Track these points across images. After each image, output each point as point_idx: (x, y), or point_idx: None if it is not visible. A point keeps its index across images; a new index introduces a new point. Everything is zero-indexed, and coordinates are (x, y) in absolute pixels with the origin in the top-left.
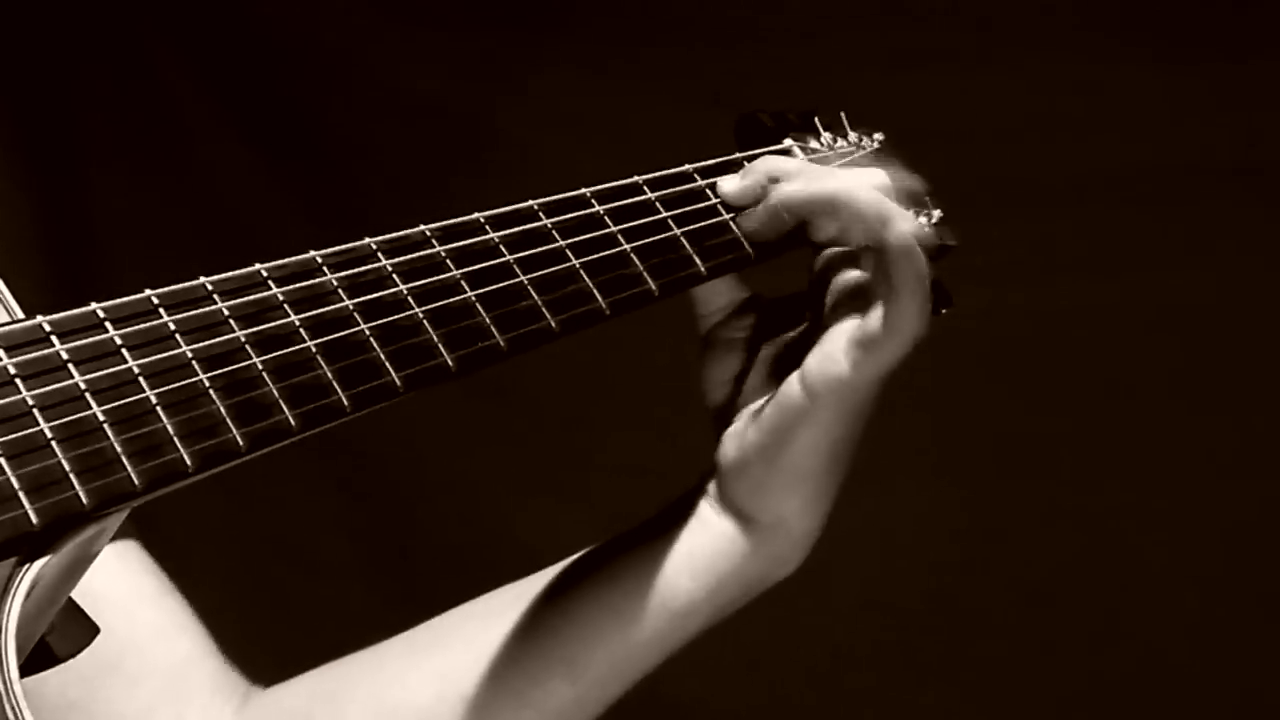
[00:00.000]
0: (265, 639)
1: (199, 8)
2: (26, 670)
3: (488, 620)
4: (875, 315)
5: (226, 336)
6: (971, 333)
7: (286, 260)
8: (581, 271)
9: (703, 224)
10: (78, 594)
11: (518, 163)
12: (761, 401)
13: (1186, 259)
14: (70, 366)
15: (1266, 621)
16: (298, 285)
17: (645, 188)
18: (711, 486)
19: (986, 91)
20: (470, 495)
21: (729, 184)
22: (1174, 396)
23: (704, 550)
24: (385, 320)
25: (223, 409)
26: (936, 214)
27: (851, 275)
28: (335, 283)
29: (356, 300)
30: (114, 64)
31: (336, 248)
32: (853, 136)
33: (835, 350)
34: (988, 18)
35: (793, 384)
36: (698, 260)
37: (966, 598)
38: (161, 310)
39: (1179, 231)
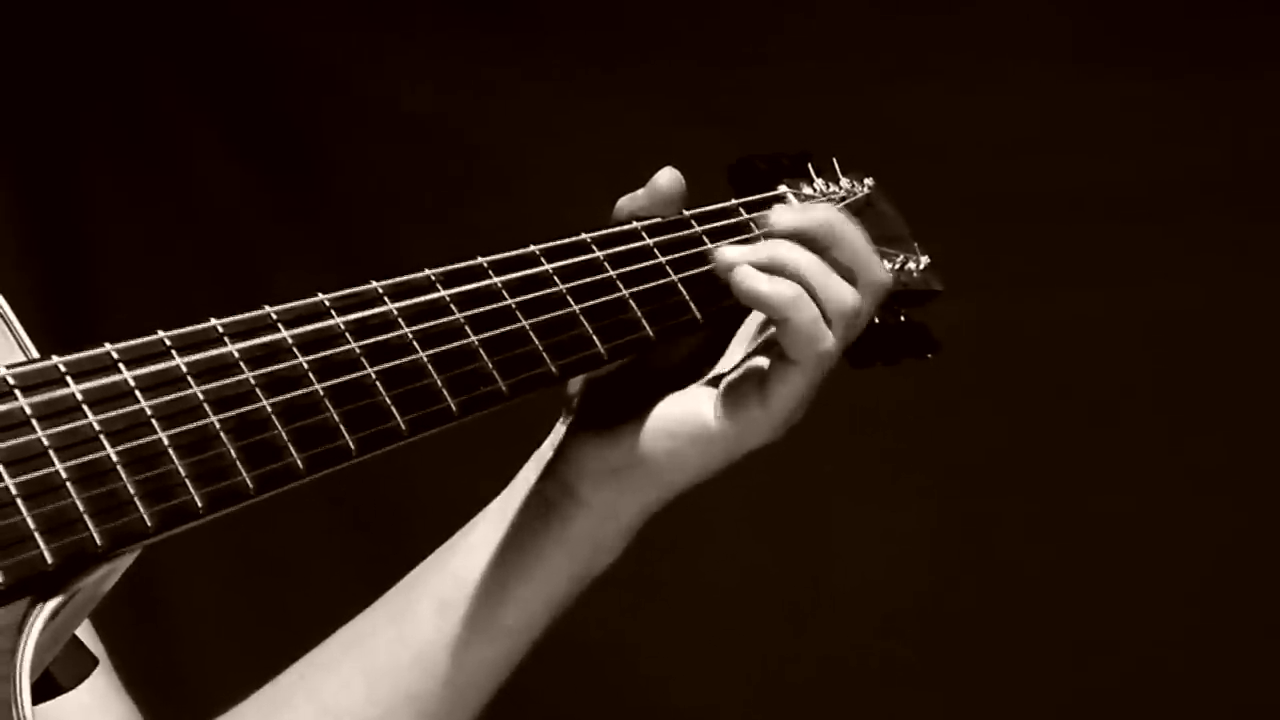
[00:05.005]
0: (261, 654)
1: (193, 27)
2: (34, 700)
3: (322, 676)
4: (771, 378)
5: (237, 378)
6: (964, 345)
7: (295, 303)
8: (581, 316)
9: (697, 270)
10: None
11: (512, 179)
12: (666, 409)
13: (1176, 272)
14: (85, 408)
15: (1258, 629)
16: (306, 328)
17: (644, 234)
18: (542, 471)
19: (979, 108)
20: (465, 510)
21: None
22: (1164, 407)
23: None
24: (391, 364)
25: (233, 451)
26: (924, 260)
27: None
28: (342, 326)
29: (363, 343)
30: (110, 83)
31: (343, 291)
32: (845, 182)
33: (749, 391)
34: (983, 36)
35: (700, 408)
36: (693, 307)
37: (960, 606)
38: (174, 352)
39: (1168, 245)
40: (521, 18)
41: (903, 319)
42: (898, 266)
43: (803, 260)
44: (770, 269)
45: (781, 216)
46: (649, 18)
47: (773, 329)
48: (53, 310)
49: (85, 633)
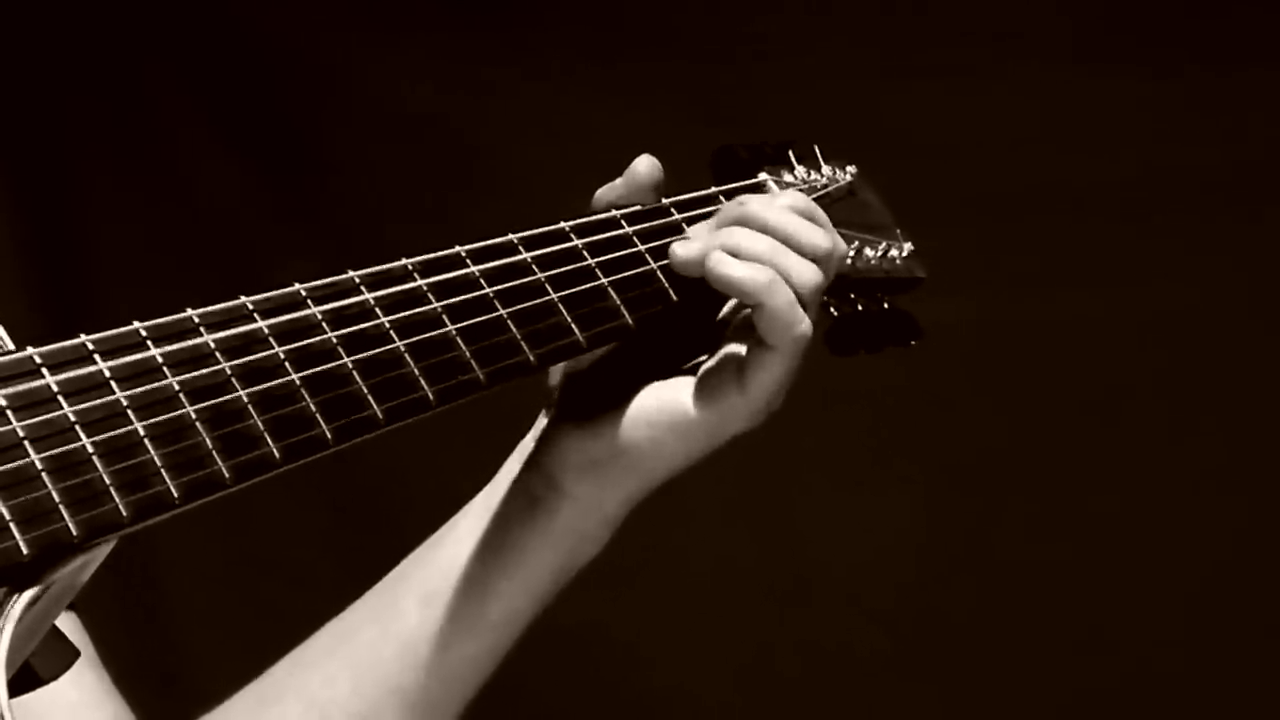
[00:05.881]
0: (251, 649)
1: (192, 27)
2: (11, 692)
3: (309, 671)
4: (749, 364)
5: (213, 369)
6: (964, 343)
7: (271, 293)
8: (559, 304)
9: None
10: None
11: (512, 179)
12: (645, 398)
13: (1176, 272)
14: (60, 399)
15: (1258, 629)
16: (282, 318)
17: (623, 222)
18: (525, 464)
19: (979, 106)
20: (454, 504)
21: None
22: (1164, 407)
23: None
24: (368, 353)
25: (209, 441)
26: (907, 246)
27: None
28: (319, 316)
29: (340, 333)
30: (107, 81)
31: (320, 281)
32: (827, 169)
33: (726, 379)
34: (981, 34)
35: (679, 397)
36: (672, 294)
37: (953, 604)
38: (149, 343)
39: (1168, 245)
40: (521, 17)
41: (886, 306)
42: (881, 254)
43: (761, 244)
44: (735, 255)
45: (732, 210)
46: (649, 16)
47: (747, 311)
48: (50, 311)
49: (71, 628)
